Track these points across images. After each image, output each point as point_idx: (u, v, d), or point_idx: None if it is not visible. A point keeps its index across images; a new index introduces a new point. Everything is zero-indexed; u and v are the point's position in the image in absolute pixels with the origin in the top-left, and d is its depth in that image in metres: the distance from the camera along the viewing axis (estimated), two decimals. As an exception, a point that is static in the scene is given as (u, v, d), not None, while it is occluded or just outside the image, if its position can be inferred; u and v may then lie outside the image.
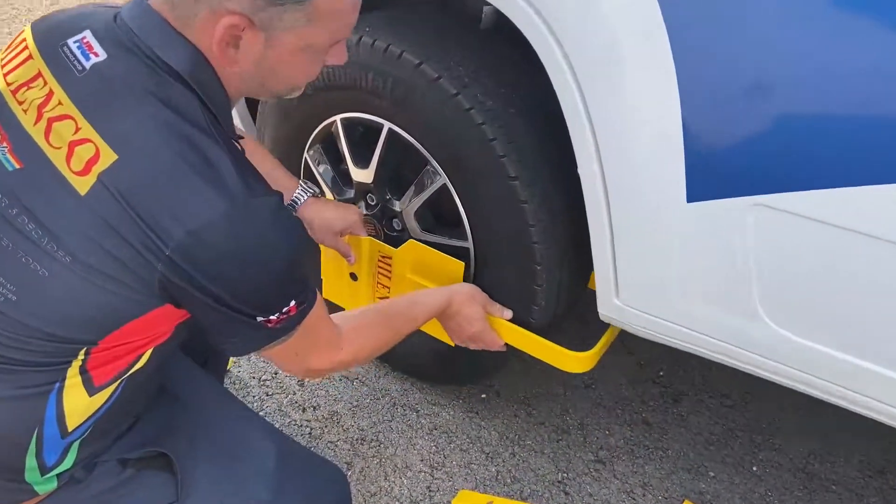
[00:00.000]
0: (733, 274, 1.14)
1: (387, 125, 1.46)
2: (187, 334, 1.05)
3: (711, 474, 1.64)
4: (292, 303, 0.95)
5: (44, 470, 0.97)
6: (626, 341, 1.97)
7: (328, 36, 0.92)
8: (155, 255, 0.83)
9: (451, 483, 1.59)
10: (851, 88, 0.95)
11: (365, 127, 1.53)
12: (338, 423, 1.72)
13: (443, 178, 1.43)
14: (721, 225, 1.11)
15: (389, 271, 1.55)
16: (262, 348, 1.00)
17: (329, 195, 1.63)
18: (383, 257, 1.54)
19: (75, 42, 0.89)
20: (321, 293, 1.15)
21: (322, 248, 1.61)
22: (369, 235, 1.55)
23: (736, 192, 1.07)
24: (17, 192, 0.86)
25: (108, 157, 0.83)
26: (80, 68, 0.88)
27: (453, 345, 1.49)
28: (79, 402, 0.95)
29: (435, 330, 1.49)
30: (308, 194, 1.46)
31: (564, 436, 1.71)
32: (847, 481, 1.64)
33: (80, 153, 0.84)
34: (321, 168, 1.64)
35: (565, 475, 1.62)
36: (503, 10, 1.21)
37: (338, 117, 1.55)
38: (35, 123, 0.87)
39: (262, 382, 1.80)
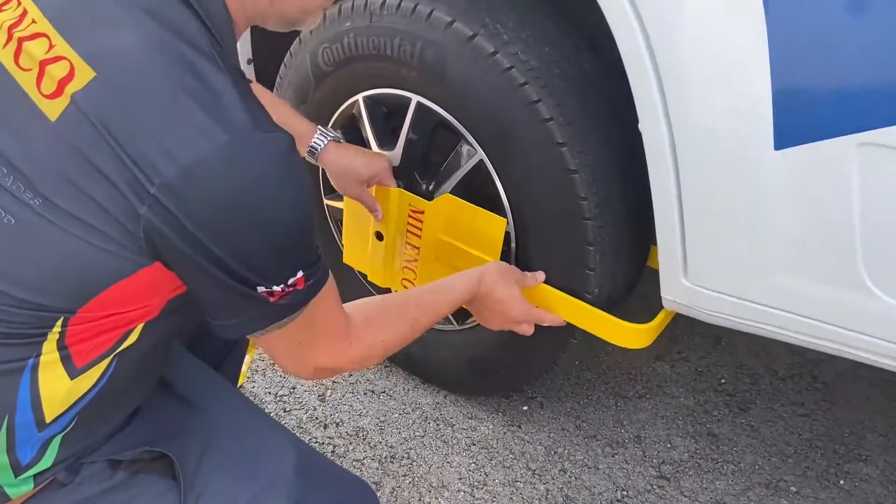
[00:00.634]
0: (832, 235, 0.97)
1: (415, 99, 1.31)
2: (185, 319, 0.89)
3: (793, 489, 1.43)
4: (300, 273, 0.77)
5: (17, 469, 0.80)
6: (680, 346, 1.78)
7: None
8: (138, 194, 0.67)
9: (494, 503, 1.40)
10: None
11: (389, 106, 1.39)
12: (364, 439, 1.53)
13: (478, 154, 1.27)
14: (817, 174, 0.94)
15: (420, 229, 1.38)
16: (262, 330, 0.82)
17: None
18: (414, 212, 1.37)
19: None
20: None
21: (344, 202, 1.45)
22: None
23: (835, 131, 0.90)
24: None
25: (85, 74, 0.68)
26: None
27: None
28: (58, 387, 0.78)
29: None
30: (328, 138, 1.31)
31: (620, 450, 1.52)
32: (950, 496, 1.43)
33: (51, 72, 0.69)
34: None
35: (625, 493, 1.42)
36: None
37: (360, 96, 1.41)
38: (4, 46, 0.72)
39: (278, 398, 1.62)
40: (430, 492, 1.42)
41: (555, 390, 1.65)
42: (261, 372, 1.68)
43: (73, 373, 0.78)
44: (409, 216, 1.37)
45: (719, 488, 1.43)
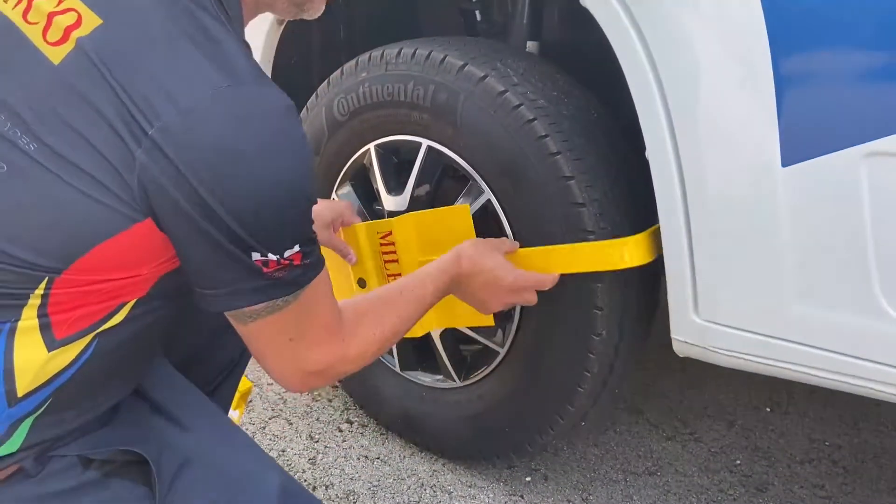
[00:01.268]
0: (844, 256, 0.95)
1: (425, 143, 1.34)
2: (171, 319, 0.86)
3: (820, 572, 1.31)
4: (297, 248, 0.75)
5: None
6: (692, 427, 1.70)
7: None
8: (135, 137, 0.67)
9: (492, 576, 1.27)
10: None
11: (400, 153, 1.42)
12: (354, 503, 1.43)
13: (486, 194, 1.28)
14: (825, 189, 0.93)
15: (395, 253, 1.36)
16: (253, 312, 0.77)
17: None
18: (384, 239, 1.35)
19: None
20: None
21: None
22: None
23: (841, 143, 0.91)
24: None
25: (92, 21, 0.70)
26: None
27: (493, 324, 1.29)
28: (34, 356, 0.74)
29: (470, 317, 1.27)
30: None
31: (630, 525, 1.40)
32: None
33: (58, 22, 0.71)
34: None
35: (636, 568, 1.30)
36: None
37: (371, 145, 1.44)
38: (15, 6, 0.75)
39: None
40: (422, 558, 1.30)
41: (559, 463, 1.56)
42: (249, 434, 1.59)
43: (51, 344, 0.75)
44: (381, 245, 1.37)
45: (739, 567, 1.31)
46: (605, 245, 1.15)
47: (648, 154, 1.07)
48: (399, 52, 1.34)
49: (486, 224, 1.29)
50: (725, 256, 1.05)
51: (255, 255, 0.73)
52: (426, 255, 1.31)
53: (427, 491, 1.46)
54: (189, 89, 0.67)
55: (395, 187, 1.41)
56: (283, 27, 1.62)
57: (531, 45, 1.45)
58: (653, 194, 1.08)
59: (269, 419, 1.65)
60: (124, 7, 0.71)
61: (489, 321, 1.32)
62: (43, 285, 0.72)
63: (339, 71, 1.46)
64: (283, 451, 1.56)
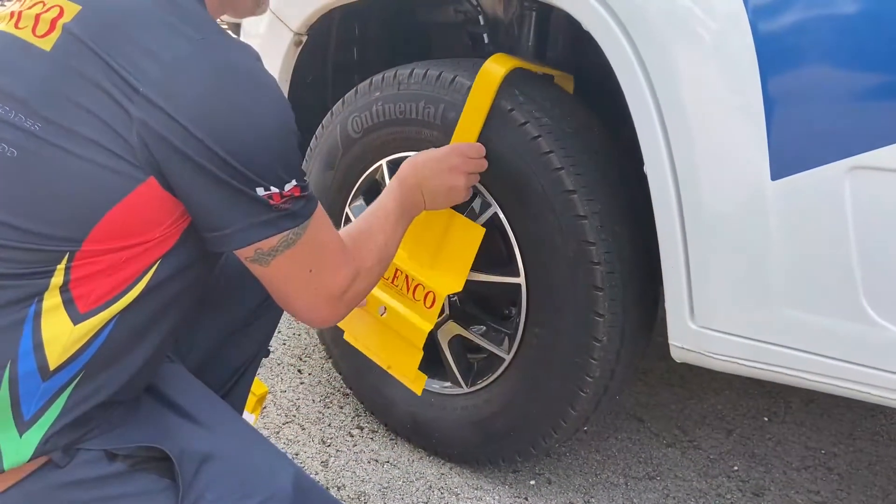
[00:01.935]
0: (831, 263, 1.01)
1: (435, 159, 1.41)
2: (189, 294, 0.91)
3: (815, 572, 1.35)
4: (294, 182, 0.82)
5: (21, 425, 0.80)
6: (691, 435, 1.75)
7: None
8: (127, 95, 0.75)
9: (498, 574, 1.32)
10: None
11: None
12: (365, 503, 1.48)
13: (493, 207, 1.35)
14: (812, 201, 1.00)
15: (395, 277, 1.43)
16: (268, 239, 0.83)
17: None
18: None
19: None
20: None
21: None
22: None
23: (827, 157, 0.98)
24: None
25: (72, 10, 0.79)
26: None
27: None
28: (61, 329, 0.80)
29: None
30: None
31: (631, 527, 1.45)
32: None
33: (44, 18, 0.80)
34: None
35: (637, 566, 1.35)
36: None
37: (384, 161, 1.51)
38: (7, 22, 0.83)
39: (280, 462, 1.58)
40: (431, 556, 1.35)
41: (563, 468, 1.61)
42: (262, 424, 1.65)
43: (76, 318, 0.80)
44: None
45: (736, 567, 1.36)
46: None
47: (647, 169, 1.14)
48: (411, 73, 1.41)
49: (492, 235, 1.36)
50: (720, 265, 1.11)
51: (260, 191, 0.79)
52: (421, 247, 1.38)
53: (435, 493, 1.52)
54: (167, 45, 0.76)
55: (407, 201, 1.48)
56: (300, 48, 1.70)
57: (536, 67, 1.53)
58: (650, 206, 1.15)
59: (283, 424, 1.71)
60: None
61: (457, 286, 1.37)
62: (65, 261, 0.78)
63: (353, 90, 1.54)
64: (297, 455, 1.62)
